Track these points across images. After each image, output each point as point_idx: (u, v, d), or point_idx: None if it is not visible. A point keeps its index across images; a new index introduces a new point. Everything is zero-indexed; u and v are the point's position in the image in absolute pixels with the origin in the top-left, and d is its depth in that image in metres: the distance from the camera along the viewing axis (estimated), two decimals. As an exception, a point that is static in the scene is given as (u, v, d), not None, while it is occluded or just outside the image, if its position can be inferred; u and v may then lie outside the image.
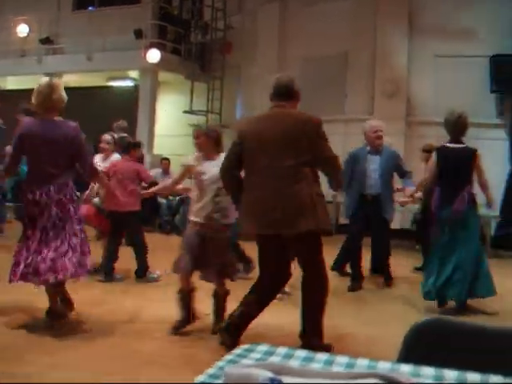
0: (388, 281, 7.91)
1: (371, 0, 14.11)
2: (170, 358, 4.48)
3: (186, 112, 16.16)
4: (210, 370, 1.34)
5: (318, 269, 4.64)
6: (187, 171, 5.54)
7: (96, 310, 5.74)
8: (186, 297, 5.16)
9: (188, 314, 5.18)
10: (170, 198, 13.03)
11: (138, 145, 8.14)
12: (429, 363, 1.50)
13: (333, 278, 7.64)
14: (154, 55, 14.97)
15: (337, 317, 5.69)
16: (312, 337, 4.59)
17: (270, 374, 1.20)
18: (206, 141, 5.39)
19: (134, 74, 16.96)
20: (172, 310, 5.23)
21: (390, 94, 13.64)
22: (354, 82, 14.33)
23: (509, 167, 12.25)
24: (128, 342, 4.81)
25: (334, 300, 5.58)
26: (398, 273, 8.27)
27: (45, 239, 4.83)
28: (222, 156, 5.02)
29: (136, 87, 16.91)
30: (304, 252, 4.63)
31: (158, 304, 6.12)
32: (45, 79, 5.40)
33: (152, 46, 15.17)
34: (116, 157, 7.78)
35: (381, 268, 8.05)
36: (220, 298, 5.31)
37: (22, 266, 4.76)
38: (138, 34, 15.47)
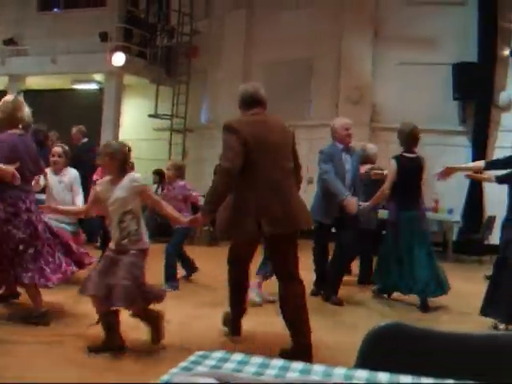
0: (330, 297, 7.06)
1: (336, 7, 14.25)
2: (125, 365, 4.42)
3: (150, 116, 16.12)
4: (164, 377, 1.32)
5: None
6: (96, 197, 4.80)
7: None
8: (107, 319, 4.60)
9: (113, 337, 4.61)
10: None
11: None
12: (386, 368, 1.50)
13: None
14: (119, 58, 14.88)
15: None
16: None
17: (214, 382, 1.22)
18: (110, 162, 4.66)
19: (98, 77, 16.81)
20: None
21: (355, 100, 13.79)
22: (319, 88, 14.45)
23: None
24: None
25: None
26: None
27: None
28: (128, 178, 4.63)
29: (101, 90, 16.77)
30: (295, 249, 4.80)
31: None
32: (9, 97, 5.53)
33: (117, 49, 15.09)
34: (72, 171, 7.05)
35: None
36: (154, 322, 4.74)
37: None
38: (104, 36, 15.36)
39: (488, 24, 13.04)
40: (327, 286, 7.14)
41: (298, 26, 14.39)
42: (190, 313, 6.00)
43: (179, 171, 7.47)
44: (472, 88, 12.81)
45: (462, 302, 6.95)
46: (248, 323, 5.29)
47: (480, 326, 5.76)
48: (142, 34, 16.42)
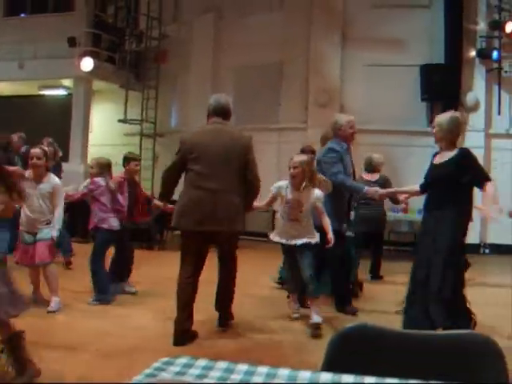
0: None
1: (305, 11, 14.30)
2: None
3: (120, 121, 16.01)
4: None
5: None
6: None
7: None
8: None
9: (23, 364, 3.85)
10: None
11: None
12: (352, 370, 1.51)
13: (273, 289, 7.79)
14: (87, 63, 14.76)
15: (272, 324, 5.85)
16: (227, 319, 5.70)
17: None
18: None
19: (67, 82, 16.64)
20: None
21: (323, 103, 13.85)
22: (288, 92, 14.49)
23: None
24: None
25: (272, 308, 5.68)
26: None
27: None
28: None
29: (69, 96, 16.59)
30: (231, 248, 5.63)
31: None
32: None
33: (86, 54, 14.93)
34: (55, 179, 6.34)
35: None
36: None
37: None
38: (72, 41, 15.19)
39: (454, 26, 13.22)
40: (339, 299, 6.72)
41: (267, 29, 14.42)
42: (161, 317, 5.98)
43: (102, 169, 7.07)
44: (439, 89, 12.97)
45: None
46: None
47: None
48: (111, 39, 16.28)
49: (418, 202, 11.72)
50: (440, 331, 1.87)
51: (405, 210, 12.10)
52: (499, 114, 13.24)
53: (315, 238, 5.81)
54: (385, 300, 7.27)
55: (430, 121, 13.45)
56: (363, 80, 13.77)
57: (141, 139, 16.00)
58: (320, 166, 6.40)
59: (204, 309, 5.53)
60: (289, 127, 13.74)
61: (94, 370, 4.31)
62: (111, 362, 4.51)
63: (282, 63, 14.62)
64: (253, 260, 9.61)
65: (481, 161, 5.75)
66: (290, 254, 6.02)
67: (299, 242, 5.77)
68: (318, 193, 5.79)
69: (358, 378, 1.46)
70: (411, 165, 13.19)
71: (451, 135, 5.46)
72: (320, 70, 14.03)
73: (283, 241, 5.91)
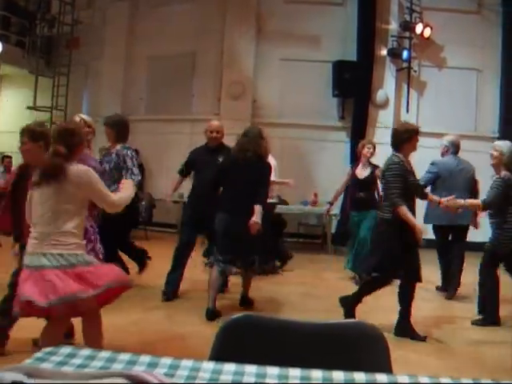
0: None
1: (220, 2, 14.28)
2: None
3: (29, 108, 15.54)
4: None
5: None
6: None
7: None
8: None
9: None
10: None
11: None
12: (238, 359, 1.53)
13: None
14: (-5, 47, 14.26)
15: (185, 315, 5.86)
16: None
17: (21, 377, 1.24)
18: None
19: (-26, 66, 16.08)
20: None
21: (236, 96, 13.87)
22: (201, 83, 14.45)
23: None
24: None
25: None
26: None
27: None
28: None
29: (-24, 80, 16.06)
30: None
31: None
32: None
33: (-7, 37, 14.45)
34: None
35: None
36: None
37: None
38: (-21, 24, 14.68)
39: (367, 25, 13.49)
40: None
41: (182, 20, 14.33)
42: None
43: None
44: (351, 86, 13.21)
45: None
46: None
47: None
48: (21, 23, 15.75)
49: (327, 194, 11.99)
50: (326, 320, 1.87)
51: (314, 203, 12.22)
52: (407, 111, 13.57)
53: None
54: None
55: (342, 116, 13.70)
56: (277, 74, 13.87)
57: (50, 127, 15.57)
58: None
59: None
60: (201, 118, 13.62)
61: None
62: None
63: (195, 54, 14.57)
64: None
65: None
66: None
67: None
68: None
69: (240, 367, 1.48)
70: (323, 158, 13.38)
71: None
72: (234, 63, 14.03)
73: None
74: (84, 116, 5.78)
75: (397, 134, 5.70)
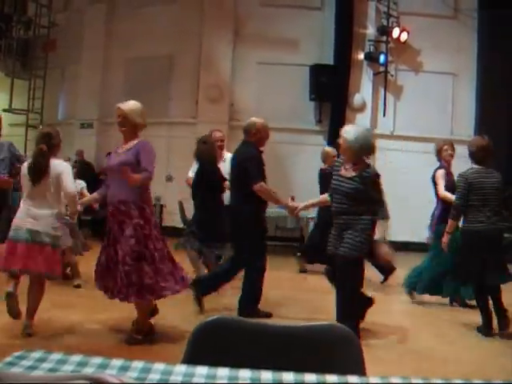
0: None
1: (198, 5, 14.28)
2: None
3: (5, 111, 15.36)
4: None
5: None
6: None
7: None
8: None
9: None
10: None
11: None
12: (210, 362, 1.52)
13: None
14: (-31, 49, 14.12)
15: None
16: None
17: None
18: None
19: None
20: None
21: (214, 99, 13.87)
22: (179, 86, 14.42)
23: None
24: None
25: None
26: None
27: None
28: None
29: (-50, 82, 15.86)
30: None
31: None
32: None
33: (-32, 39, 14.30)
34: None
35: None
36: None
37: None
38: (-47, 26, 14.53)
39: (344, 29, 13.57)
40: None
41: (160, 22, 14.28)
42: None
43: None
44: (328, 89, 13.28)
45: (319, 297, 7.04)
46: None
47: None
48: (-4, 25, 15.64)
49: (304, 198, 12.00)
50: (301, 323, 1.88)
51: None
52: (384, 115, 13.68)
53: None
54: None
55: (319, 120, 13.74)
56: (254, 77, 13.90)
57: (26, 130, 15.44)
58: None
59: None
60: (179, 121, 13.65)
61: None
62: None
63: (173, 57, 14.55)
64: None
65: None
66: None
67: None
68: None
69: (212, 370, 1.47)
70: (300, 162, 13.39)
71: None
72: (211, 66, 14.03)
73: None
74: None
75: None
